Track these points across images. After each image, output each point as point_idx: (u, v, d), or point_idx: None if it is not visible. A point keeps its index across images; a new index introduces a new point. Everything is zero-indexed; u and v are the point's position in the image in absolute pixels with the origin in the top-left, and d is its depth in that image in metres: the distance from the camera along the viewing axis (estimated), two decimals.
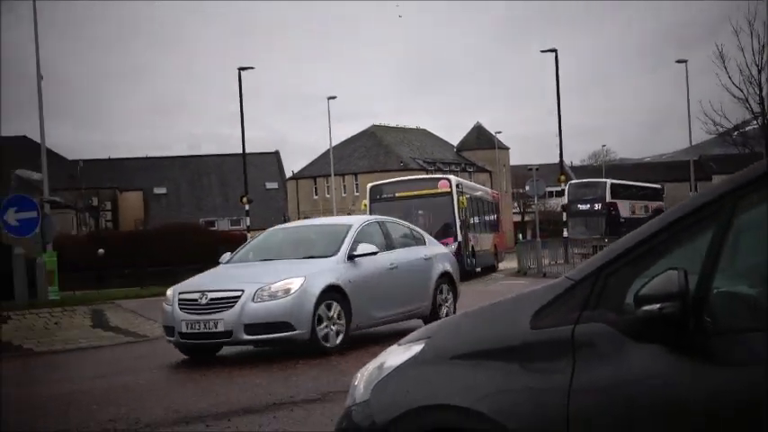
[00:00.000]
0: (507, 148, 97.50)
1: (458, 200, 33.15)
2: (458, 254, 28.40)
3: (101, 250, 42.79)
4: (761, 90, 41.11)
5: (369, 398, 3.44)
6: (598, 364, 2.87)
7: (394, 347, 3.58)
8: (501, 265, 46.73)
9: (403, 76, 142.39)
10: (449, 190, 33.40)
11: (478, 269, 40.62)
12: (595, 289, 2.97)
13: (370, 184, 36.02)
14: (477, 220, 41.68)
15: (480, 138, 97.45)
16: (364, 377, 3.58)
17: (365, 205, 32.57)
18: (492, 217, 46.60)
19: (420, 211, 32.52)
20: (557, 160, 46.72)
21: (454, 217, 33.16)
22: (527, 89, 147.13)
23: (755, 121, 42.28)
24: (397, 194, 33.49)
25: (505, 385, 3.05)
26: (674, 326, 2.69)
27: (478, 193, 44.23)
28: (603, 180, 44.62)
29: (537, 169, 49.83)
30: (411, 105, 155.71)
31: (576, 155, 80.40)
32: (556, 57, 43.72)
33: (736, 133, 44.61)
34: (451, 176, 37.79)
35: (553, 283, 3.19)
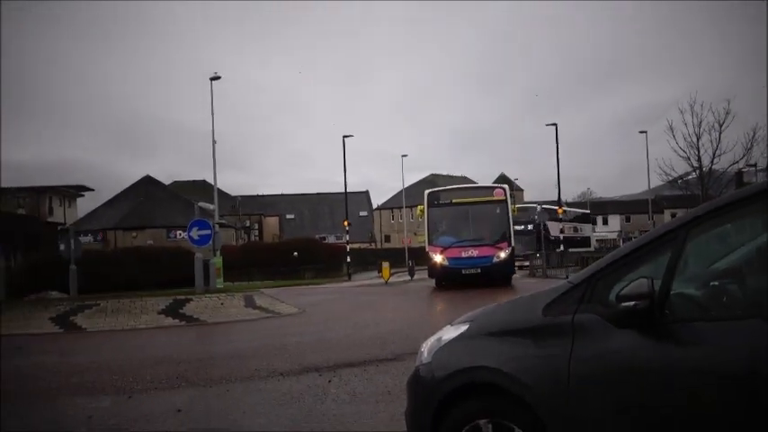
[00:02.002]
0: (522, 190, 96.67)
1: (511, 208, 24.93)
2: (510, 258, 23.08)
3: (295, 253, 43.37)
4: (698, 151, 41.25)
5: (431, 360, 3.43)
6: (590, 341, 2.85)
7: (448, 327, 3.56)
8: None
9: (454, 139, 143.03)
10: (504, 198, 24.51)
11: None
12: (588, 290, 2.97)
13: (427, 191, 25.97)
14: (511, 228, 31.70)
15: (504, 180, 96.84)
16: (428, 346, 3.56)
17: (421, 210, 24.51)
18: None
19: (475, 218, 24.07)
20: (556, 198, 46.14)
21: (509, 224, 24.74)
22: (537, 149, 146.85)
23: (694, 173, 42.50)
24: (453, 200, 24.70)
25: (524, 354, 3.02)
26: (644, 317, 2.69)
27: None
28: (535, 206, 40.14)
29: (543, 208, 48.50)
30: (459, 160, 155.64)
31: (569, 194, 79.61)
32: (556, 128, 43.52)
33: (680, 181, 44.51)
34: (505, 186, 27.19)
35: (558, 285, 3.16)
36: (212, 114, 34.78)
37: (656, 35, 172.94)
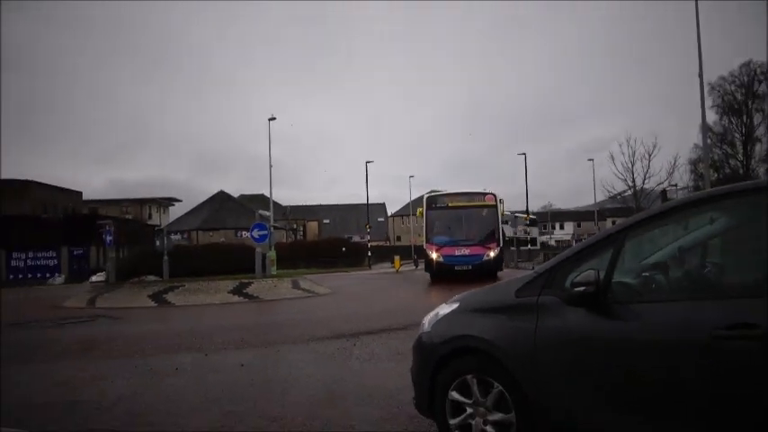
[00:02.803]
0: (502, 201, 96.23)
1: (500, 212, 21.68)
2: (498, 257, 20.16)
3: (343, 248, 43.05)
4: (633, 174, 41.25)
5: (430, 330, 3.40)
6: (550, 316, 2.81)
7: (443, 304, 3.53)
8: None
9: (449, 164, 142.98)
10: (494, 203, 21.70)
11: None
12: (550, 278, 2.93)
13: (426, 194, 23.07)
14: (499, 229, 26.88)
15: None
16: (428, 319, 3.53)
17: (421, 212, 21.51)
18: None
19: (469, 220, 21.21)
20: (524, 208, 45.85)
21: (498, 226, 21.58)
22: (511, 171, 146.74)
23: (630, 190, 42.32)
24: (449, 204, 21.69)
25: (501, 325, 2.98)
26: (592, 299, 2.65)
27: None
28: None
29: (515, 215, 47.81)
30: (452, 179, 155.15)
31: (534, 206, 79.28)
32: (525, 157, 43.31)
33: (619, 197, 44.28)
34: (495, 192, 23.34)
35: (527, 274, 3.12)
36: (269, 145, 35.76)
37: (601, 87, 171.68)
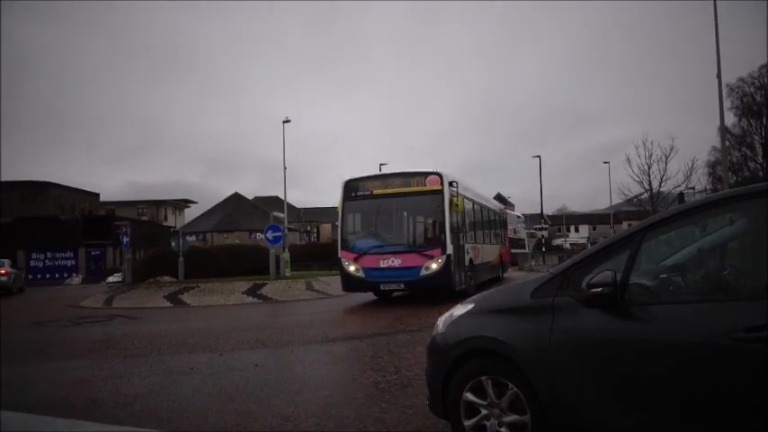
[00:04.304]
0: (513, 205, 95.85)
1: (450, 201, 12.70)
2: (445, 270, 12.11)
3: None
4: (649, 177, 40.88)
5: (444, 331, 3.39)
6: (566, 317, 2.79)
7: (458, 305, 3.51)
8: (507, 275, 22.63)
9: (463, 166, 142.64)
10: (439, 187, 12.76)
11: (474, 284, 14.34)
12: (565, 279, 2.91)
13: (345, 178, 13.55)
14: (481, 229, 17.34)
15: (500, 198, 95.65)
16: (443, 319, 3.52)
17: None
18: (498, 229, 20.95)
19: (402, 214, 13.37)
20: (539, 211, 45.55)
21: (444, 222, 12.51)
22: (526, 174, 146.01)
23: (646, 193, 41.91)
24: (374, 192, 13.32)
25: (516, 327, 2.96)
26: (608, 300, 2.63)
27: (482, 201, 18.37)
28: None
29: (525, 218, 47.11)
30: (466, 181, 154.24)
31: (549, 209, 78.81)
32: (540, 159, 43.04)
33: (635, 199, 43.87)
34: (445, 171, 13.05)
35: (542, 275, 3.10)
36: (284, 147, 35.54)
37: (617, 89, 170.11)
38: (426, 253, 12.09)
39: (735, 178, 40.52)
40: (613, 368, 2.62)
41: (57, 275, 39.93)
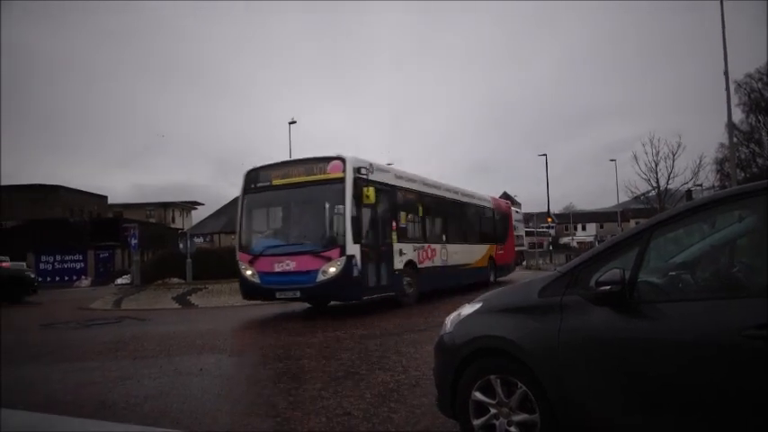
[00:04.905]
0: (520, 203, 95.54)
1: (355, 191, 10.02)
2: (345, 275, 9.77)
3: None
4: (657, 174, 40.85)
5: (452, 330, 3.38)
6: (574, 316, 2.78)
7: (466, 305, 3.51)
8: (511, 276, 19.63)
9: (469, 164, 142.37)
10: (340, 175, 10.13)
11: (419, 291, 12.33)
12: (573, 277, 2.90)
13: (247, 169, 11.35)
14: (443, 225, 14.48)
15: (506, 197, 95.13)
16: (450, 319, 3.51)
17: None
18: (489, 227, 18.06)
19: (300, 207, 10.98)
20: (545, 210, 45.45)
21: (344, 216, 10.00)
22: (532, 173, 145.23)
23: (653, 191, 41.78)
24: (274, 183, 10.87)
25: (524, 326, 2.96)
26: (617, 298, 2.62)
27: (442, 191, 14.65)
28: None
29: (532, 216, 46.89)
30: (472, 180, 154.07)
31: (556, 207, 78.55)
32: (546, 158, 43.00)
33: (642, 197, 43.75)
34: (351, 156, 10.40)
35: (550, 274, 3.10)
36: (290, 148, 35.92)
37: (623, 86, 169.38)
38: (324, 254, 10.00)
39: (743, 175, 40.20)
40: (622, 366, 2.61)
41: (66, 278, 40.21)
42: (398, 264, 11.43)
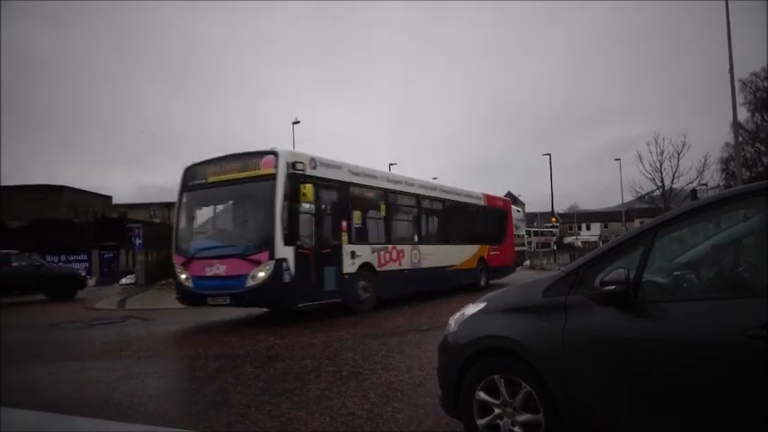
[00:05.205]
0: (524, 203, 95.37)
1: (289, 189, 9.21)
2: (274, 281, 8.95)
3: None
4: (661, 174, 40.69)
5: (456, 330, 3.39)
6: (578, 316, 2.78)
7: (470, 304, 3.51)
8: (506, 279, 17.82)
9: (473, 164, 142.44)
10: (272, 171, 9.25)
11: (377, 297, 11.39)
12: (578, 277, 2.90)
13: (186, 165, 10.65)
14: (412, 225, 13.35)
15: (510, 197, 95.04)
16: (454, 318, 3.52)
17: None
18: (478, 227, 16.62)
19: (233, 206, 10.60)
20: (549, 209, 45.34)
21: (273, 216, 9.03)
22: (537, 172, 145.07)
23: (658, 190, 41.71)
24: (209, 179, 10.10)
25: (528, 325, 2.96)
26: (622, 298, 2.62)
27: (409, 187, 13.27)
28: None
29: (537, 215, 46.95)
30: (476, 180, 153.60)
31: (560, 207, 78.39)
32: (550, 158, 42.89)
33: (647, 197, 43.68)
34: (285, 150, 9.73)
35: (554, 274, 3.10)
36: (293, 147, 35.91)
37: (628, 85, 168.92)
38: (253, 258, 9.21)
39: (748, 174, 40.01)
40: (627, 366, 2.61)
41: None
42: (350, 267, 10.64)
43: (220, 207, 10.68)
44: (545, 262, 33.41)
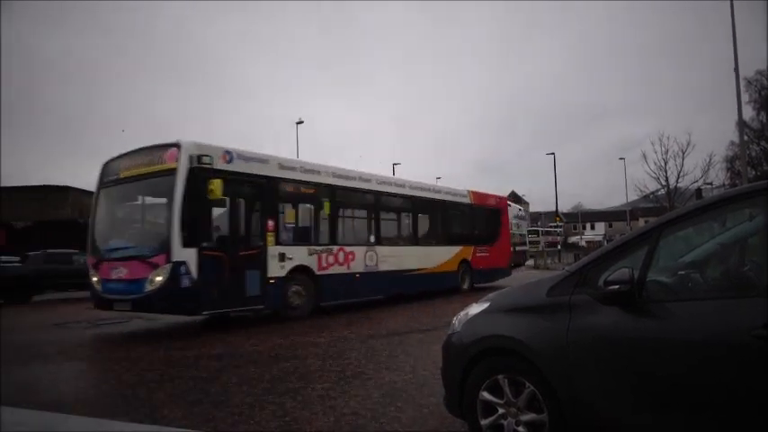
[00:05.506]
0: (528, 203, 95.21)
1: (192, 184, 8.39)
2: (172, 286, 8.23)
3: None
4: (666, 173, 40.64)
5: (460, 329, 3.39)
6: (583, 316, 2.78)
7: (474, 304, 3.51)
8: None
9: (477, 164, 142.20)
10: (174, 166, 8.44)
11: (312, 305, 10.51)
12: (582, 277, 2.89)
13: (104, 161, 9.90)
14: (371, 224, 12.45)
15: (514, 196, 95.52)
16: (458, 318, 3.52)
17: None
18: (464, 227, 15.84)
19: (138, 204, 9.69)
20: (553, 209, 45.29)
21: (171, 215, 8.22)
22: (541, 172, 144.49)
23: (662, 189, 41.61)
24: (121, 175, 9.34)
25: (532, 325, 2.95)
26: (626, 297, 2.61)
27: (364, 185, 12.22)
28: None
29: (540, 215, 46.90)
30: (480, 180, 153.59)
31: (564, 207, 78.33)
32: (554, 157, 42.84)
33: (651, 196, 43.56)
34: (189, 141, 8.71)
35: (559, 273, 3.09)
36: (297, 148, 36.08)
37: (632, 84, 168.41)
38: (152, 260, 8.50)
39: (754, 173, 39.85)
40: (631, 366, 2.60)
41: None
42: (277, 271, 9.82)
43: (129, 205, 9.88)
44: (549, 261, 33.20)
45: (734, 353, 2.31)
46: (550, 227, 49.04)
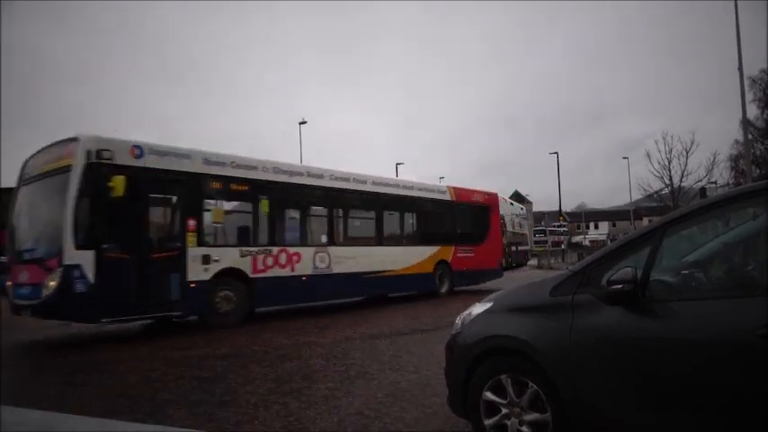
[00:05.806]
0: (531, 202, 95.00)
1: (90, 182, 7.80)
2: (65, 291, 7.57)
3: None
4: (670, 172, 40.45)
5: (463, 330, 3.40)
6: (586, 315, 2.78)
7: (477, 304, 3.51)
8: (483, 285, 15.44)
9: (480, 164, 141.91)
10: (70, 162, 7.79)
11: (243, 310, 9.72)
12: (585, 276, 2.89)
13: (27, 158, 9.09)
14: (310, 224, 11.74)
15: (518, 196, 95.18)
16: (461, 318, 3.52)
17: None
18: (443, 226, 14.76)
19: (42, 203, 8.46)
20: (557, 208, 45.15)
21: (64, 215, 7.57)
22: (544, 171, 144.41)
23: (666, 188, 41.50)
24: (33, 173, 8.69)
25: (535, 325, 2.95)
26: (629, 297, 2.61)
27: (313, 181, 11.33)
28: None
29: (544, 215, 46.89)
30: (483, 179, 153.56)
31: (568, 206, 78.22)
32: (557, 156, 42.77)
33: (655, 195, 43.43)
34: (89, 135, 8.04)
35: (562, 273, 3.09)
36: (300, 149, 36.15)
37: (636, 83, 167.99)
38: (48, 264, 7.93)
39: (758, 172, 39.65)
40: (634, 366, 2.60)
41: None
42: (200, 274, 9.13)
43: (36, 204, 8.92)
44: (552, 261, 33.11)
45: (738, 352, 2.31)
46: (554, 226, 48.98)
